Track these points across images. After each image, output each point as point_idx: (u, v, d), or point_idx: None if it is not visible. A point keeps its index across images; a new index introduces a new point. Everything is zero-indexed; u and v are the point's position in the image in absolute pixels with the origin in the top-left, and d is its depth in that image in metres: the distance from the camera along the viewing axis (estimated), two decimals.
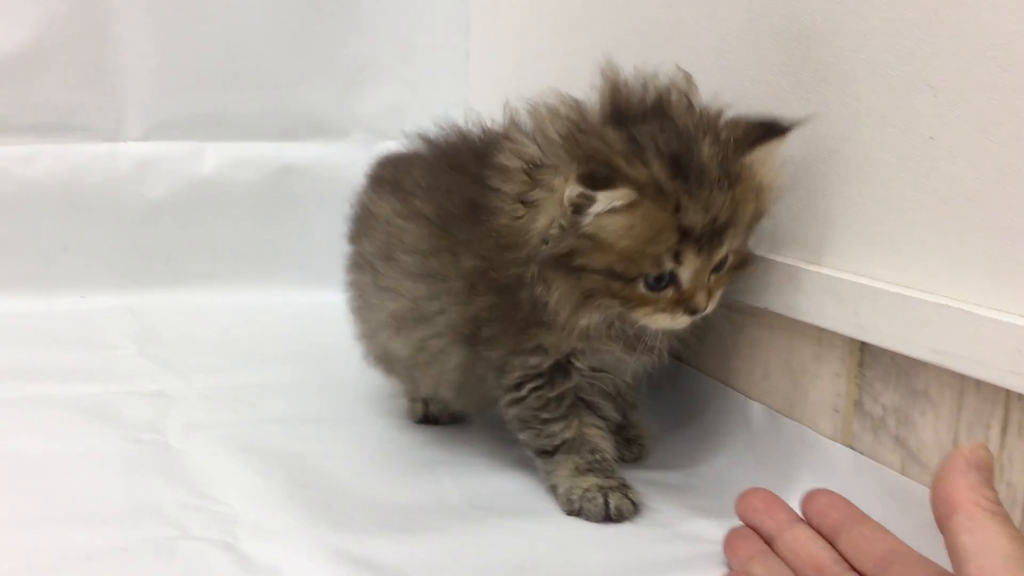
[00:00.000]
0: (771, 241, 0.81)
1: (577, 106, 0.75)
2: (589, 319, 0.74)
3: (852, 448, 0.74)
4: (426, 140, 0.88)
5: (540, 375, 0.79)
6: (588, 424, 0.81)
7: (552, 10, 1.20)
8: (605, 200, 0.68)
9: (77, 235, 1.37)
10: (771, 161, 0.74)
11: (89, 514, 0.73)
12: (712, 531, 0.72)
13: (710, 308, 0.74)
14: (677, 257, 0.70)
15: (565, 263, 0.71)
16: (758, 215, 0.75)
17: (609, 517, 0.76)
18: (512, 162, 0.74)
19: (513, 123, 0.79)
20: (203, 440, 0.88)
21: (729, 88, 0.80)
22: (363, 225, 0.91)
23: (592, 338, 0.77)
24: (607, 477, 0.78)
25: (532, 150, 0.74)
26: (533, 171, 0.73)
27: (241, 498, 0.76)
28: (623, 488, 0.78)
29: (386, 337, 0.88)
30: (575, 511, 0.77)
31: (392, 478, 0.82)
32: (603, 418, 0.82)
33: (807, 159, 0.77)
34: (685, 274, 0.71)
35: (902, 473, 0.69)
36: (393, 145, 1.30)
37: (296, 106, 1.43)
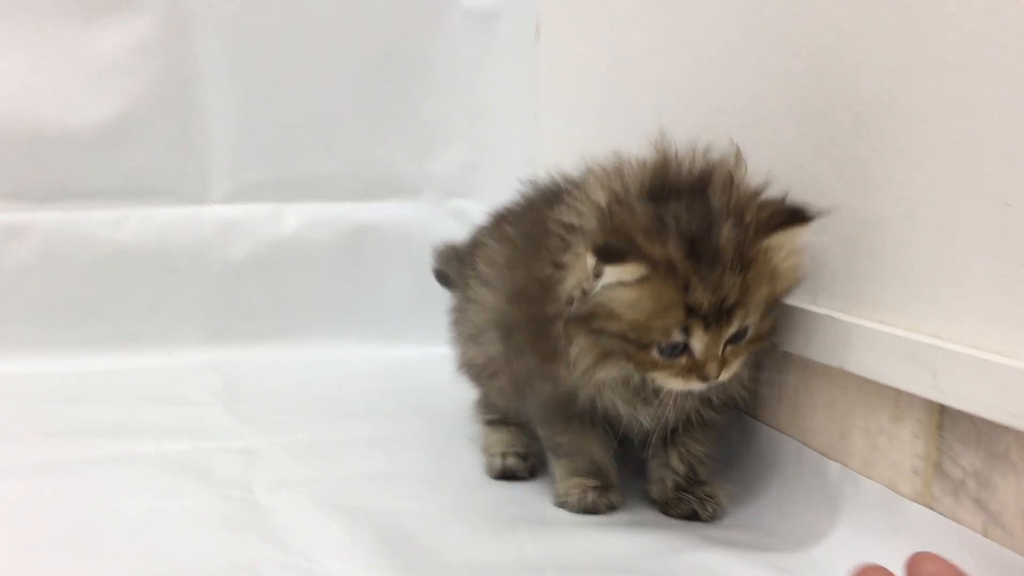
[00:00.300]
0: (849, 302, 0.82)
1: (623, 176, 0.81)
2: (606, 374, 0.81)
3: (932, 509, 0.74)
4: (531, 183, 0.97)
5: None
6: (589, 437, 0.91)
7: (618, 72, 1.23)
8: (612, 274, 0.74)
9: (163, 294, 1.43)
10: (790, 246, 0.78)
11: (185, 572, 0.76)
12: None
13: (724, 377, 0.78)
14: (686, 331, 0.75)
15: (586, 323, 0.78)
16: (775, 296, 0.79)
17: (585, 509, 0.89)
18: (557, 227, 0.81)
19: (574, 183, 0.86)
20: (290, 497, 0.91)
21: (787, 157, 0.82)
22: (470, 253, 1.02)
23: (602, 387, 0.84)
24: (594, 478, 0.90)
25: (572, 216, 0.80)
26: (568, 235, 0.80)
27: (330, 555, 0.78)
28: (602, 489, 0.90)
29: (468, 345, 1.01)
30: (561, 504, 0.90)
31: (472, 535, 0.84)
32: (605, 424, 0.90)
33: (881, 221, 0.78)
34: (697, 345, 0.76)
35: (984, 536, 0.69)
36: (464, 203, 1.34)
37: (371, 167, 1.49)
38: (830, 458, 0.85)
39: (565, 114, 1.42)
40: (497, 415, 1.04)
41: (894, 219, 0.76)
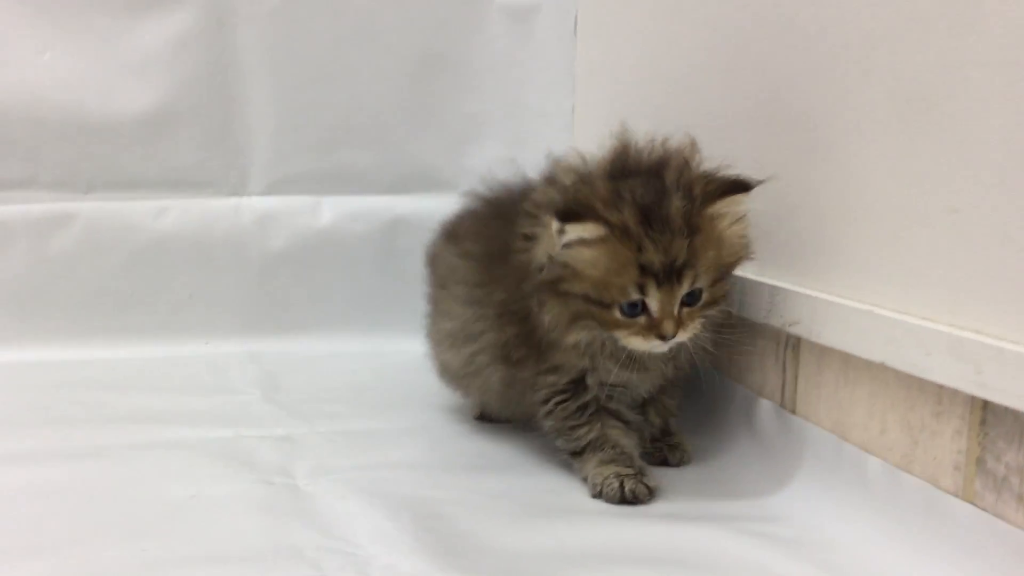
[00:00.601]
0: (890, 297, 0.82)
1: (586, 163, 0.93)
2: (577, 336, 0.90)
3: (974, 505, 0.74)
4: (477, 195, 1.07)
5: (563, 391, 0.96)
6: (609, 426, 0.96)
7: (654, 66, 1.23)
8: (573, 232, 0.84)
9: (202, 284, 1.45)
10: (733, 214, 0.88)
11: (231, 555, 0.77)
12: None
13: (681, 337, 0.87)
14: (641, 289, 0.85)
15: (555, 288, 0.88)
16: (723, 262, 0.89)
17: (625, 499, 0.90)
18: (528, 206, 0.92)
19: (544, 175, 0.97)
20: (331, 484, 0.92)
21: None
22: (431, 267, 1.12)
23: (594, 356, 0.92)
24: (627, 467, 0.93)
25: (541, 196, 0.92)
26: (537, 212, 0.90)
27: (372, 541, 0.79)
28: (639, 475, 0.92)
29: (444, 351, 1.07)
30: (597, 494, 0.92)
31: (510, 523, 0.85)
32: (624, 421, 0.97)
33: (923, 217, 0.78)
34: (653, 304, 0.85)
35: None
36: None
37: (407, 161, 1.50)
38: (871, 453, 0.85)
39: (602, 109, 1.43)
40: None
41: (937, 216, 0.77)
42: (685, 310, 0.87)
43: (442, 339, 1.08)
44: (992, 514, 0.72)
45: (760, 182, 0.88)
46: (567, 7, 1.49)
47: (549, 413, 0.97)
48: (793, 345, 0.96)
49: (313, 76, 1.45)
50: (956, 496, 0.75)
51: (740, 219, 0.89)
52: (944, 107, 0.76)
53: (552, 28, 1.50)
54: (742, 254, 0.91)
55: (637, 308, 0.86)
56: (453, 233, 1.09)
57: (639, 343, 0.87)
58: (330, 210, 1.48)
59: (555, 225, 0.85)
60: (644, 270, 0.84)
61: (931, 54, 0.77)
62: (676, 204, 0.85)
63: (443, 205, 1.47)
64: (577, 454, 0.96)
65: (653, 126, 1.22)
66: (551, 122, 1.52)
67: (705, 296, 0.88)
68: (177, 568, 0.74)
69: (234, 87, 1.43)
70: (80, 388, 1.23)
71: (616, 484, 0.91)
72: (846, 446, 0.88)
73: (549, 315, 0.89)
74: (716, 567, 0.77)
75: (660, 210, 0.85)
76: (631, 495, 0.90)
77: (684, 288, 0.86)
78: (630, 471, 0.92)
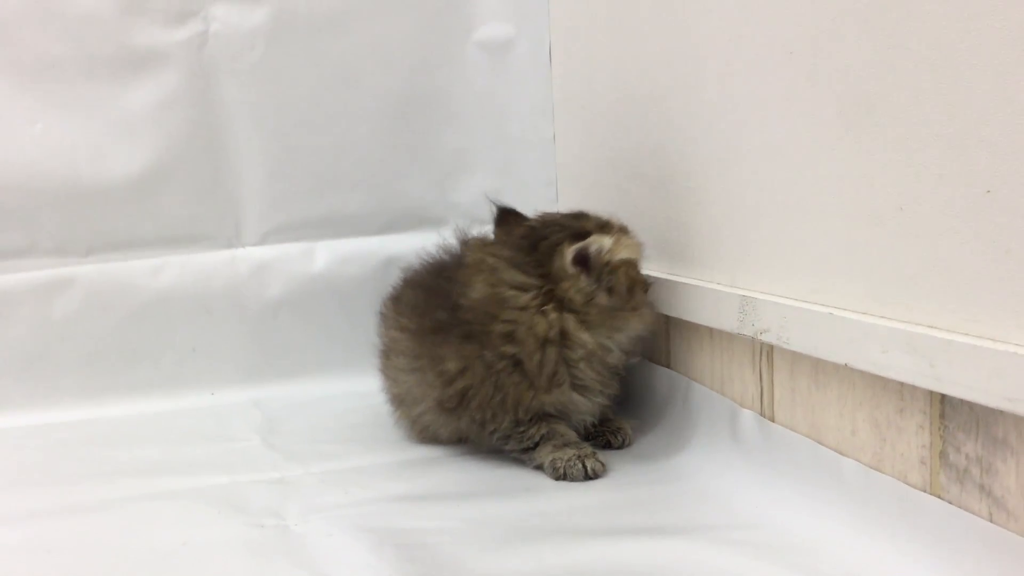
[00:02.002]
0: (849, 298, 0.83)
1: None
2: (631, 331, 1.09)
3: (941, 499, 0.74)
4: (420, 264, 1.21)
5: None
6: (554, 422, 1.07)
7: (626, 88, 1.25)
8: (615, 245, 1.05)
9: (204, 337, 1.48)
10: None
11: None
12: None
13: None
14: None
15: (607, 304, 1.06)
16: None
17: (588, 476, 1.02)
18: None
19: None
20: (320, 522, 0.93)
21: None
22: (381, 323, 1.24)
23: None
24: (580, 448, 1.05)
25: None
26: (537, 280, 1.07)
27: (354, 574, 0.81)
28: (594, 455, 1.04)
29: (396, 405, 1.22)
30: (561, 476, 1.03)
31: (495, 547, 0.86)
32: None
33: (873, 217, 0.79)
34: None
35: (991, 521, 0.69)
36: (490, 229, 1.38)
37: (396, 201, 1.53)
38: (845, 455, 0.86)
39: (581, 135, 1.45)
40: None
41: (887, 216, 0.77)
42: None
43: (392, 398, 1.22)
44: (957, 506, 0.72)
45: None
46: (541, 37, 1.51)
47: (497, 429, 1.08)
48: (767, 353, 0.97)
49: (298, 124, 1.48)
50: (924, 491, 0.76)
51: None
52: (883, 107, 0.77)
53: (528, 59, 1.53)
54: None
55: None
56: (397, 300, 1.22)
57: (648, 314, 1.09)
58: (324, 255, 1.50)
59: (607, 240, 1.03)
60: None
61: (868, 55, 0.78)
62: (571, 221, 1.09)
63: (433, 241, 1.50)
64: (529, 449, 1.07)
65: (630, 144, 1.24)
66: (534, 150, 1.54)
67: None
68: None
69: (222, 141, 1.46)
70: (84, 446, 1.25)
71: (579, 464, 1.03)
72: (821, 449, 0.88)
73: (630, 322, 1.07)
74: None
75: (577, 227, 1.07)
76: (592, 472, 1.02)
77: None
78: (587, 451, 1.05)
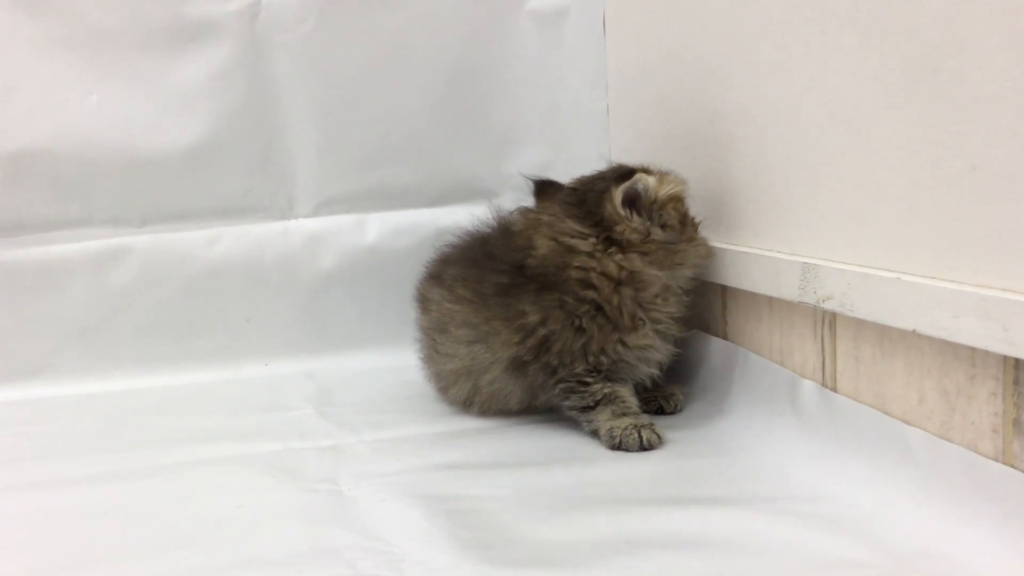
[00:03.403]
0: (917, 262, 0.80)
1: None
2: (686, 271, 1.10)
3: (1015, 468, 0.71)
4: (451, 246, 1.23)
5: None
6: (619, 384, 1.08)
7: (682, 59, 1.22)
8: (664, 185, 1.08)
9: (258, 308, 1.48)
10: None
11: (272, 558, 0.79)
12: None
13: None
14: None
15: (664, 245, 1.08)
16: None
17: (643, 447, 1.01)
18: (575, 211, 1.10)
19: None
20: (373, 488, 0.93)
21: None
22: (421, 305, 1.24)
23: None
24: (638, 418, 1.04)
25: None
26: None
27: (408, 539, 0.80)
28: (651, 426, 1.03)
29: (447, 383, 1.19)
30: (616, 445, 1.02)
31: (548, 517, 0.85)
32: (624, 379, 1.09)
33: (943, 178, 0.76)
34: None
35: None
36: None
37: (448, 173, 1.52)
38: (911, 425, 0.83)
39: (635, 106, 1.42)
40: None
41: (960, 175, 0.75)
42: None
43: (444, 374, 1.19)
44: None
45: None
46: (595, 8, 1.49)
47: (561, 380, 1.07)
48: (830, 322, 0.94)
49: (350, 97, 1.47)
50: (996, 460, 0.73)
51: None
52: (953, 64, 0.75)
53: (581, 30, 1.50)
54: None
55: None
56: (439, 278, 1.20)
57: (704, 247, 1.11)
58: (375, 227, 1.50)
59: (651, 179, 1.05)
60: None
61: (937, 8, 0.75)
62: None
63: (485, 213, 1.48)
64: (588, 408, 1.06)
65: (686, 113, 1.22)
66: (587, 123, 1.52)
67: None
68: (216, 574, 0.76)
69: (275, 113, 1.46)
70: (139, 415, 1.27)
71: (635, 434, 1.02)
72: (886, 420, 0.86)
73: (689, 256, 1.08)
74: (754, 549, 0.76)
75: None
76: (648, 443, 1.01)
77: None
78: (644, 421, 1.04)
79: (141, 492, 0.97)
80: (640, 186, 1.05)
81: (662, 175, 1.08)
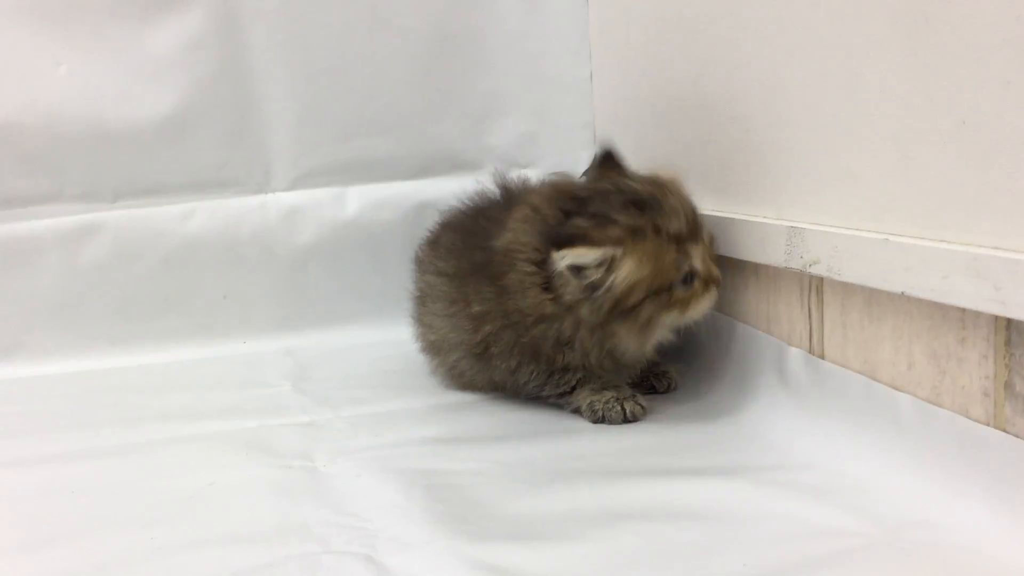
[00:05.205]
0: (905, 223, 0.77)
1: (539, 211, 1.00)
2: (657, 336, 0.99)
3: (1006, 432, 0.69)
4: (460, 206, 1.16)
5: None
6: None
7: (666, 22, 1.19)
8: (591, 255, 0.92)
9: (235, 284, 1.45)
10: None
11: (241, 535, 0.76)
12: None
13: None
14: (686, 254, 0.94)
15: (618, 311, 0.94)
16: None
17: (627, 419, 0.98)
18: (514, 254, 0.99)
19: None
20: (348, 464, 0.91)
21: None
22: (416, 267, 1.20)
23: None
24: (620, 391, 1.00)
25: (516, 241, 1.00)
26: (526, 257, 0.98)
27: (382, 514, 0.78)
28: (634, 397, 1.00)
29: (430, 353, 1.17)
30: (599, 419, 0.99)
31: (527, 490, 0.83)
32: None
33: (931, 134, 0.73)
34: (697, 262, 0.94)
35: None
36: (526, 173, 1.33)
37: (429, 144, 1.48)
38: (901, 390, 0.81)
39: (619, 73, 1.39)
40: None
41: (948, 134, 0.72)
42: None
43: (427, 346, 1.17)
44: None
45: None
46: None
47: (529, 380, 1.03)
48: (816, 288, 0.92)
49: (327, 66, 1.44)
50: (987, 424, 0.71)
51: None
52: (942, 13, 0.72)
53: None
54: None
55: (688, 276, 0.94)
56: (435, 243, 1.17)
57: (707, 302, 0.97)
58: (355, 200, 1.47)
59: (592, 255, 0.91)
60: (677, 240, 0.93)
61: None
62: (646, 188, 0.95)
63: (468, 186, 1.45)
64: (567, 393, 1.02)
65: (670, 76, 1.19)
66: (570, 92, 1.49)
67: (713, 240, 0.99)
68: (183, 551, 0.74)
69: (250, 84, 1.42)
70: (113, 393, 1.24)
71: (617, 407, 0.99)
72: (875, 385, 0.83)
73: (621, 338, 0.96)
74: (740, 519, 0.74)
75: (641, 196, 0.94)
76: (631, 415, 0.99)
77: (706, 237, 0.97)
78: (626, 393, 1.00)
79: (111, 470, 0.94)
80: (585, 260, 0.92)
81: (629, 243, 0.92)
